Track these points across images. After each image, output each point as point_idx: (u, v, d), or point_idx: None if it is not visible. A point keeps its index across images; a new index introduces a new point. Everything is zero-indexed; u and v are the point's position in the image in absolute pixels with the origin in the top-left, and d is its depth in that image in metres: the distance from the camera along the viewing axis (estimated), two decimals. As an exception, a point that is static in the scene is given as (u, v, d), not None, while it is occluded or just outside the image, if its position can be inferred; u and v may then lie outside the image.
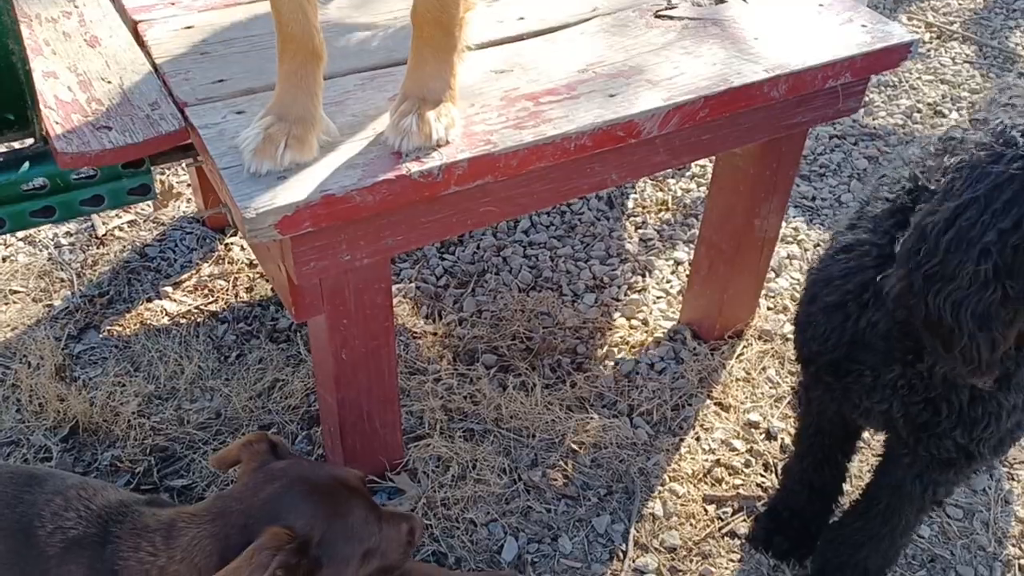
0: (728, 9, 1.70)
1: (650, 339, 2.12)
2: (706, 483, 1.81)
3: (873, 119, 2.90)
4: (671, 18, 1.66)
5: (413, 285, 2.25)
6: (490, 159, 1.32)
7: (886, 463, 1.51)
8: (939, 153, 1.23)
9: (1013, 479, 1.85)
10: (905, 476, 1.45)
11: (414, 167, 1.27)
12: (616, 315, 2.19)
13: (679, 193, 2.61)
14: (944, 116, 2.92)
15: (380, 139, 1.32)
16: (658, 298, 2.26)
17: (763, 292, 2.19)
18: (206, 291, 2.21)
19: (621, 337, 2.13)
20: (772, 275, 2.31)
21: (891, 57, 1.63)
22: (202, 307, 2.16)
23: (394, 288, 2.24)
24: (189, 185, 2.48)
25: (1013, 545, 1.72)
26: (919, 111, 2.94)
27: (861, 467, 1.83)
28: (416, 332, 2.12)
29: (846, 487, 1.71)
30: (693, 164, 2.68)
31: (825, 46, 1.59)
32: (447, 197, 1.37)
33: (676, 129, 1.49)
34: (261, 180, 1.22)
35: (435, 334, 2.12)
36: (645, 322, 2.18)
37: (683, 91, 1.46)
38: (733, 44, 1.59)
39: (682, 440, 1.89)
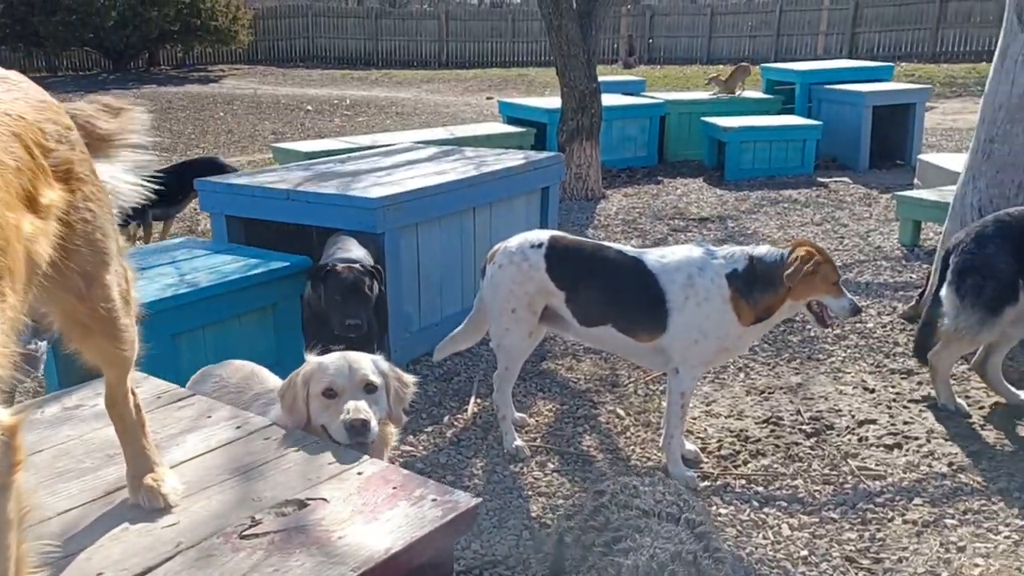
0: (312, 512, 1.81)
1: None
2: None
3: (489, 546, 3.12)
4: (256, 535, 1.72)
5: None
6: None
7: None
8: None
9: None
10: None
11: None
12: None
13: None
14: (548, 526, 3.24)
15: None
16: None
17: None
18: None
19: None
20: None
21: (462, 523, 1.83)
22: None
23: None
24: None
25: None
26: (527, 528, 3.23)
27: None
28: None
29: None
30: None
31: (404, 530, 1.74)
32: None
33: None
34: None
35: None
36: None
37: (275, 614, 1.49)
38: (320, 549, 1.68)
39: None
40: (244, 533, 1.73)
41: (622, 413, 4.17)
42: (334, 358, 2.40)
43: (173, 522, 1.78)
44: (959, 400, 4.04)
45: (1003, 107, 4.69)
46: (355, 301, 3.81)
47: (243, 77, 23.03)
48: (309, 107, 16.39)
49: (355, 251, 4.16)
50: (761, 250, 3.44)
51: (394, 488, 1.91)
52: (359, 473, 1.98)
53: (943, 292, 3.92)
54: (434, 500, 1.86)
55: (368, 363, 2.37)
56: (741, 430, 3.94)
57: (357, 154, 6.23)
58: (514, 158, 5.64)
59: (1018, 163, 4.67)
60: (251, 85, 20.92)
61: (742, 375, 4.56)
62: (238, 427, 2.21)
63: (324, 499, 1.86)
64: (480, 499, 1.92)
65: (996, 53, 4.82)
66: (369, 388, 2.33)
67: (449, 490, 1.90)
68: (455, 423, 4.11)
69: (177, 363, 3.76)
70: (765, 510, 3.31)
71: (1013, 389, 4.06)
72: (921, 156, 8.75)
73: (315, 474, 1.98)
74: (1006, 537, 3.06)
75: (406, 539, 1.71)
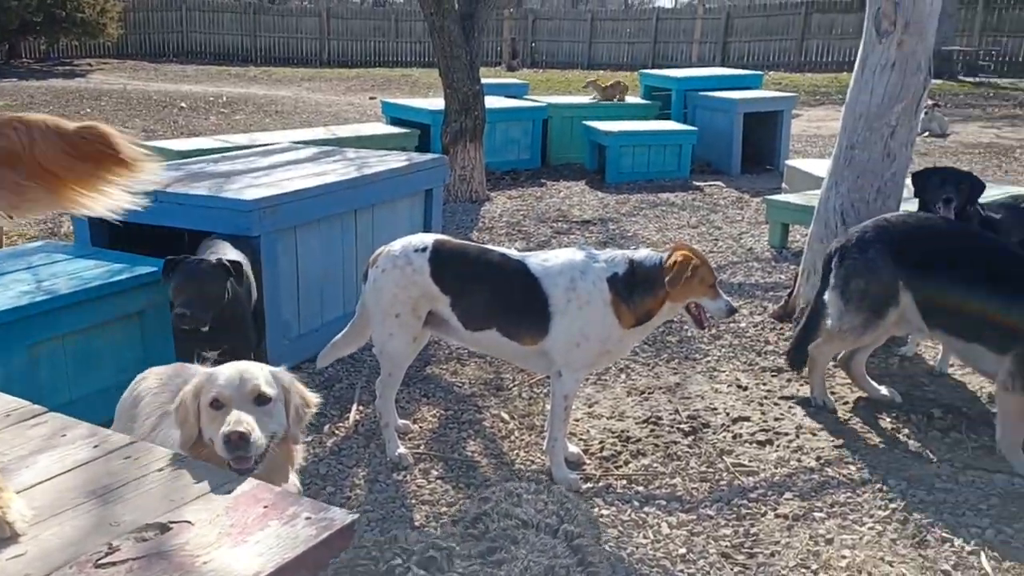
0: (175, 536, 1.71)
1: None
2: None
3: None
4: (114, 563, 1.61)
5: None
6: None
7: None
8: None
9: None
10: None
11: None
12: None
13: None
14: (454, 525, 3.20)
15: None
16: None
17: None
18: None
19: None
20: None
21: (339, 540, 1.76)
22: None
23: None
24: None
25: None
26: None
27: None
28: None
29: None
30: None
31: (275, 551, 1.66)
32: None
33: None
34: None
35: None
36: None
37: (133, 649, 1.39)
38: (183, 575, 1.59)
39: None
40: (100, 561, 1.62)
41: (507, 417, 4.17)
42: (226, 368, 2.24)
43: (20, 552, 1.64)
44: (827, 395, 4.22)
45: (863, 115, 4.93)
46: (192, 291, 3.66)
47: (112, 72, 21.94)
48: (183, 104, 15.76)
49: (229, 254, 4.00)
50: (641, 254, 3.49)
51: (265, 507, 1.82)
52: (227, 492, 1.88)
53: (827, 296, 4.08)
54: (308, 518, 1.78)
55: (262, 373, 2.21)
56: (622, 431, 4.00)
57: (233, 154, 6.01)
58: (397, 159, 5.57)
59: (877, 169, 4.93)
60: (120, 80, 19.94)
61: (623, 376, 4.64)
62: (96, 446, 2.07)
63: (188, 521, 1.75)
64: (358, 515, 1.86)
65: (856, 63, 5.07)
66: (260, 400, 2.16)
67: (324, 507, 1.83)
68: (336, 432, 4.01)
69: (36, 375, 3.53)
70: (645, 509, 3.37)
71: (875, 384, 4.27)
72: (788, 161, 9.15)
73: (179, 495, 1.86)
74: (870, 528, 3.21)
75: (277, 561, 1.63)
